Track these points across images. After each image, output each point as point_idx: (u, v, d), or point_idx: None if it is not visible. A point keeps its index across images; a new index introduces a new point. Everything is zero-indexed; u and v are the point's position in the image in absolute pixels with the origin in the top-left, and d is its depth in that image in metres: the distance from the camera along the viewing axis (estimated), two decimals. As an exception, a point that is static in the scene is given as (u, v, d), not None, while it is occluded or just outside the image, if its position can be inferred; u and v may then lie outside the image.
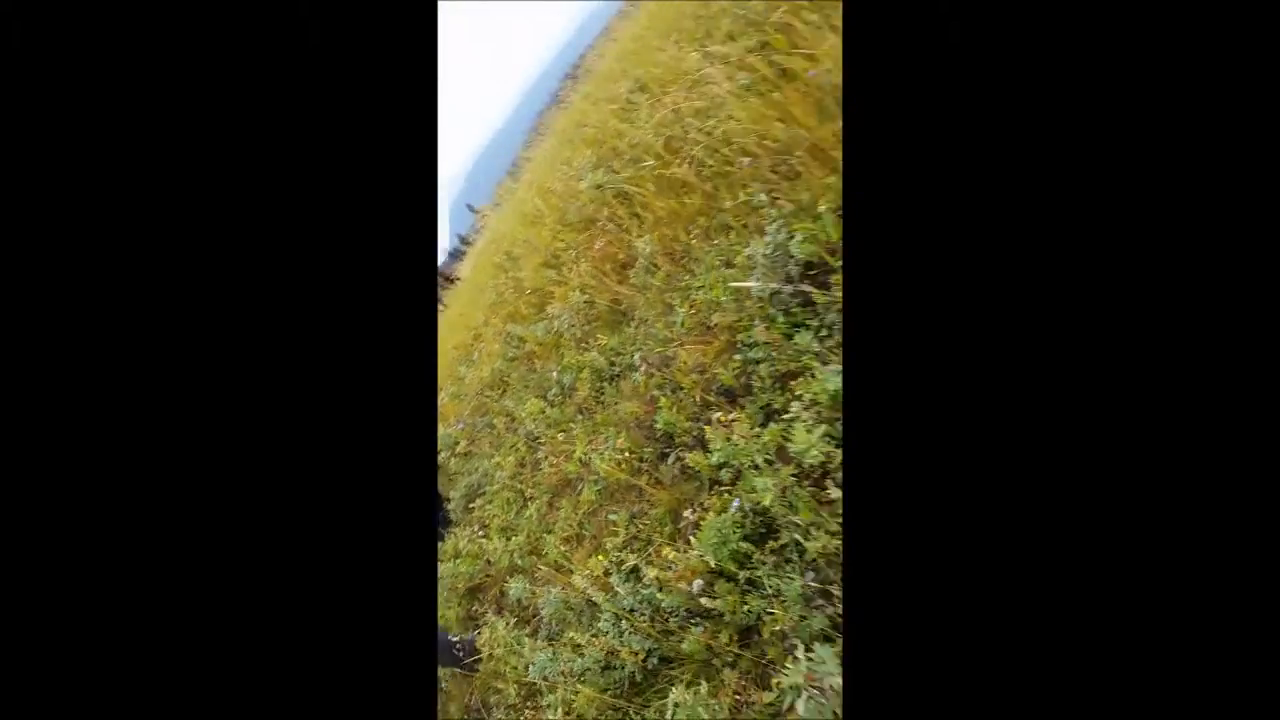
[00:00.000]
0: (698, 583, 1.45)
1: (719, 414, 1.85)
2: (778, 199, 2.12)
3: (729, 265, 2.26)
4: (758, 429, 1.70)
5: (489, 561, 2.69)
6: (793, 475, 1.47)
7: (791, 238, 1.89)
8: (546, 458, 2.81)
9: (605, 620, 1.65)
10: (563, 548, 2.30)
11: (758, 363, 1.89)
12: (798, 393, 1.62)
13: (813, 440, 1.42)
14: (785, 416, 1.63)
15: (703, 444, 1.88)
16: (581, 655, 1.61)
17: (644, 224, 3.25)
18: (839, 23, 2.33)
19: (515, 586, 2.25)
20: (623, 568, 1.80)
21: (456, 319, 7.41)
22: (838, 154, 1.95)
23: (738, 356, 2.01)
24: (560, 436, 2.79)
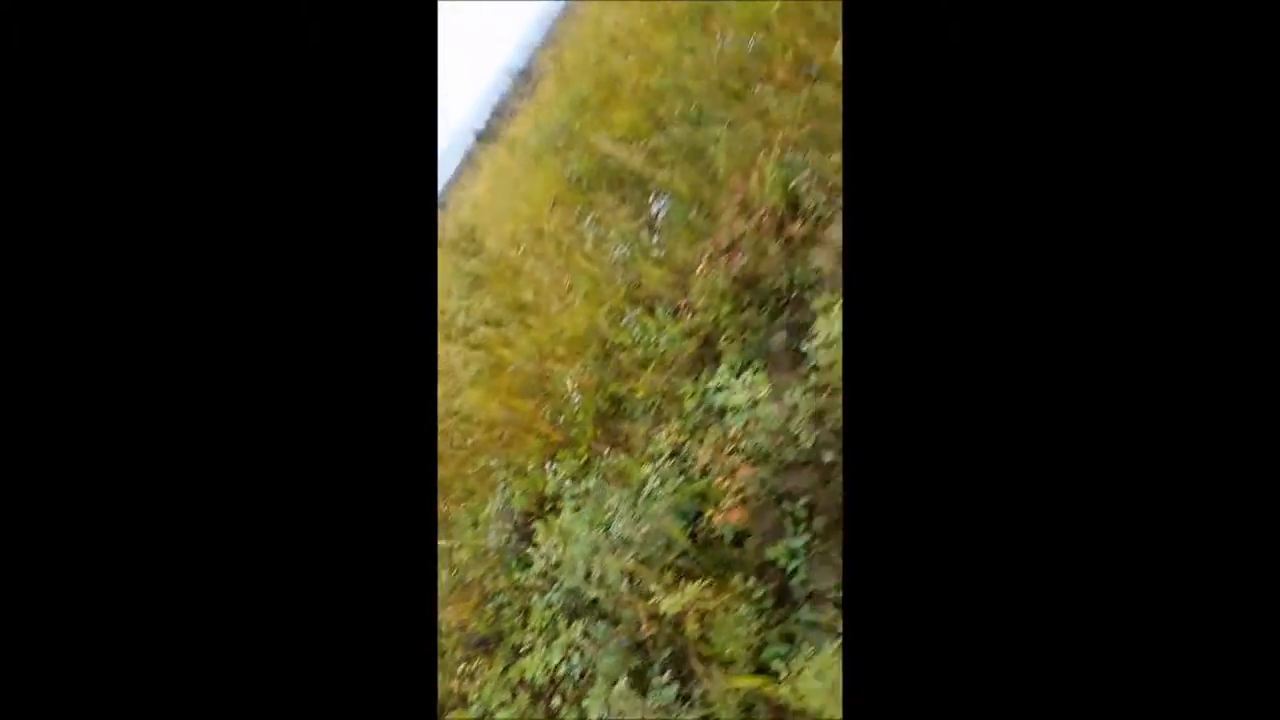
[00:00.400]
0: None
1: (473, 665, 2.06)
2: (503, 463, 2.64)
3: (475, 524, 2.63)
4: (504, 668, 1.96)
5: None
6: (529, 700, 1.74)
7: (512, 495, 2.36)
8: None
9: None
10: None
11: (503, 607, 2.20)
12: (529, 624, 1.95)
13: (536, 664, 1.74)
14: (524, 649, 1.92)
15: (464, 700, 2.04)
16: None
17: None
18: (535, 327, 3.18)
19: None
20: None
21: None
22: (541, 425, 2.58)
23: (489, 605, 2.29)
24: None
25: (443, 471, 3.26)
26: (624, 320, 2.31)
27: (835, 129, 1.82)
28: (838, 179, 1.77)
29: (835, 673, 1.07)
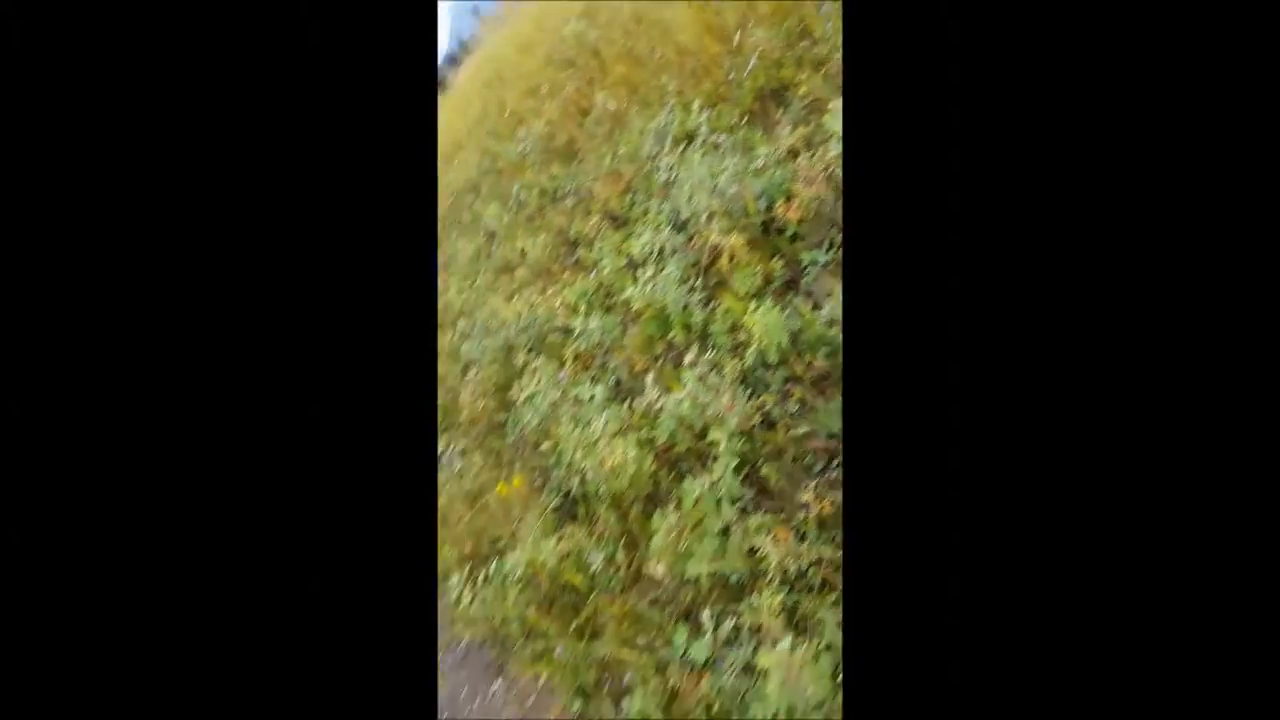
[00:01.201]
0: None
1: (601, 229, 2.96)
2: (677, 89, 3.08)
3: (641, 132, 3.25)
4: (623, 239, 2.84)
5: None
6: (625, 264, 2.64)
7: (672, 121, 2.89)
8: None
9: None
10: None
11: (636, 192, 2.98)
12: (646, 217, 2.74)
13: (638, 241, 2.57)
14: (637, 233, 2.76)
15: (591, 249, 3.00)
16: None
17: (607, 80, 4.09)
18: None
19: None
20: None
21: (443, 125, 7.99)
22: (718, 72, 2.89)
23: (628, 196, 3.09)
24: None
25: (639, 73, 3.72)
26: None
27: None
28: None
29: (776, 317, 1.79)
